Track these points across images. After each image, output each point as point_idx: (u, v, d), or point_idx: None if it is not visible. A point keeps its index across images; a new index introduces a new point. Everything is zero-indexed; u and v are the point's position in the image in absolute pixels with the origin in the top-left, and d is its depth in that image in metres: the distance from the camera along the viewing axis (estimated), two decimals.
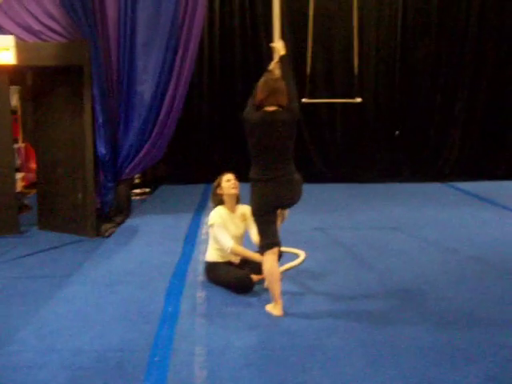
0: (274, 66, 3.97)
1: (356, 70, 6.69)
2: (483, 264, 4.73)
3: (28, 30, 5.80)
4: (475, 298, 3.92)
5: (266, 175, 3.55)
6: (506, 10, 9.23)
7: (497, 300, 3.89)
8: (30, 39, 5.80)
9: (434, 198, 7.88)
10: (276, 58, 4.04)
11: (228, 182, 4.14)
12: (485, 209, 7.10)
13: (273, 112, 3.55)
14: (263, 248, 3.63)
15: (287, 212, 4.03)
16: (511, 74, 9.34)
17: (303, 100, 6.68)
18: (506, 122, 9.43)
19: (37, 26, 5.80)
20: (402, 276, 4.41)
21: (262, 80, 3.63)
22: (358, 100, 6.51)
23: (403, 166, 9.47)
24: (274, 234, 3.66)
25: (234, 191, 4.15)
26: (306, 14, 6.92)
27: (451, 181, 9.15)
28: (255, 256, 3.98)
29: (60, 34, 5.84)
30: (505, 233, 5.80)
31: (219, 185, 4.18)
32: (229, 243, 4.02)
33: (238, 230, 4.19)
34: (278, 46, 4.03)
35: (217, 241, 4.11)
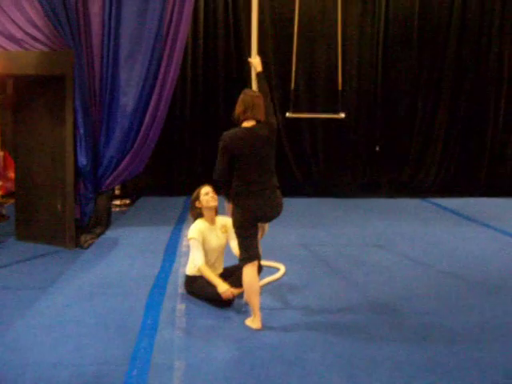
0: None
1: (339, 86, 6.76)
2: (461, 280, 4.80)
3: (10, 38, 5.74)
4: (453, 314, 3.96)
5: (249, 189, 3.57)
6: (485, 25, 9.44)
7: (474, 315, 3.94)
8: (12, 47, 5.75)
9: (413, 213, 7.98)
10: (253, 74, 4.10)
11: (206, 196, 4.15)
12: (463, 225, 7.20)
13: (252, 127, 3.60)
14: (243, 261, 3.64)
15: (267, 226, 4.05)
16: (491, 91, 9.55)
17: (287, 114, 6.73)
18: (485, 139, 9.62)
19: (19, 35, 5.75)
20: (381, 291, 4.45)
21: (241, 96, 3.70)
22: (342, 115, 6.58)
23: (383, 181, 9.58)
24: (255, 247, 3.68)
25: (213, 204, 4.16)
26: (290, 29, 7.00)
27: (430, 197, 9.27)
28: (219, 283, 3.95)
29: (43, 43, 5.80)
30: (483, 249, 5.89)
31: (197, 198, 4.18)
32: (199, 261, 4.05)
33: (219, 241, 4.19)
34: (255, 62, 4.08)
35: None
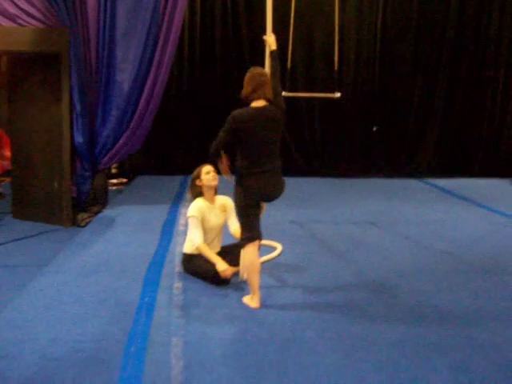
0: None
1: (336, 66, 6.71)
2: (456, 260, 4.83)
3: (3, 13, 5.65)
4: (447, 293, 4.00)
5: (254, 169, 3.56)
6: (483, 13, 9.39)
7: (468, 295, 3.98)
8: (6, 23, 5.66)
9: (410, 194, 8.00)
10: (267, 51, 4.06)
11: (208, 175, 4.14)
12: (459, 206, 7.23)
13: (262, 108, 3.58)
14: (245, 240, 3.65)
15: (265, 205, 4.06)
16: (487, 73, 9.51)
17: (283, 94, 6.66)
18: (482, 120, 9.62)
19: (13, 10, 5.65)
20: (377, 270, 4.48)
21: (248, 75, 3.65)
22: (337, 95, 6.54)
23: (380, 161, 9.58)
24: (257, 226, 3.69)
25: (214, 183, 4.16)
26: (287, 9, 6.92)
27: (427, 177, 9.30)
28: (217, 261, 3.96)
29: (37, 19, 5.71)
30: (478, 229, 5.92)
31: (198, 177, 4.18)
32: (198, 240, 4.04)
33: (218, 220, 4.20)
34: (270, 40, 4.05)
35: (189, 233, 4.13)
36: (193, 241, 4.09)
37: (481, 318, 3.57)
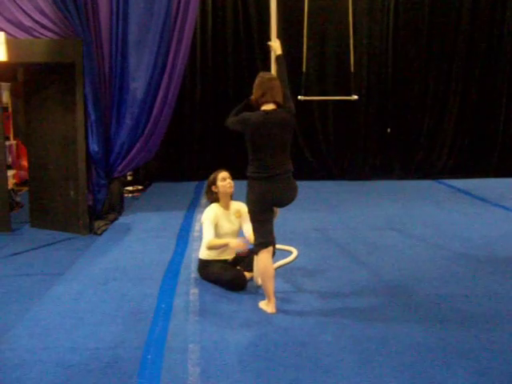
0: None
1: (352, 68, 6.67)
2: (474, 261, 4.77)
3: (19, 26, 5.76)
4: (466, 295, 3.95)
5: (265, 173, 3.57)
6: (497, 8, 9.29)
7: (487, 296, 3.92)
8: (21, 36, 5.76)
9: (425, 195, 7.93)
10: (273, 57, 4.07)
11: (223, 182, 4.15)
12: (476, 206, 7.14)
13: (273, 111, 3.59)
14: (258, 246, 3.64)
15: (277, 210, 4.05)
16: (502, 72, 9.41)
17: (299, 97, 6.65)
18: (497, 119, 9.50)
19: (28, 23, 5.75)
20: (394, 273, 4.44)
21: (257, 79, 3.67)
22: (355, 97, 6.50)
23: (395, 163, 9.51)
24: (270, 232, 3.68)
25: (230, 190, 4.17)
26: (300, 12, 6.91)
27: (442, 178, 9.21)
28: (229, 240, 4.00)
29: (52, 31, 5.80)
30: (495, 230, 5.84)
31: (214, 183, 4.18)
32: (208, 236, 4.01)
33: (232, 226, 4.20)
34: (275, 46, 4.06)
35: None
36: (204, 239, 4.07)
37: (501, 320, 3.51)
